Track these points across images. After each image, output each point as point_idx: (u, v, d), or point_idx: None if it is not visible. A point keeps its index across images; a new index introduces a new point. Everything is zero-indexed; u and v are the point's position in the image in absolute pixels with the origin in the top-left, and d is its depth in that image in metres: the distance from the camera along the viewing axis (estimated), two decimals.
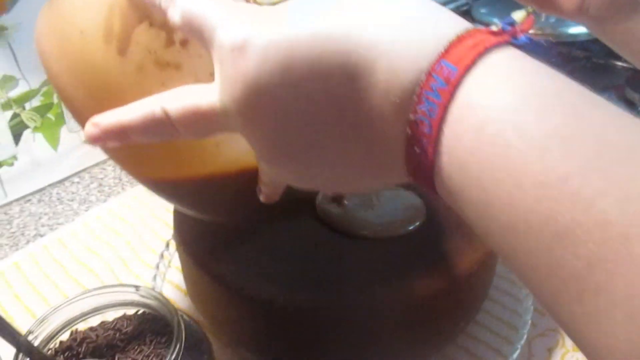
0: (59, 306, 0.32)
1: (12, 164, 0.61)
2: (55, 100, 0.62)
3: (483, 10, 0.79)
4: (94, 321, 0.34)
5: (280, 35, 0.20)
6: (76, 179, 0.66)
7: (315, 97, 0.20)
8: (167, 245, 0.52)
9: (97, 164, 0.68)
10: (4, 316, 0.30)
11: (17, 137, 0.60)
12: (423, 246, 0.40)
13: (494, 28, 0.20)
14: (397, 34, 0.20)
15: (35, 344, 0.30)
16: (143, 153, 0.29)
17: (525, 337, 0.43)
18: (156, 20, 0.28)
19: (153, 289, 0.34)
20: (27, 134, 0.61)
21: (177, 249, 0.44)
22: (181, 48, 0.29)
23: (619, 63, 0.63)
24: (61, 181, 0.65)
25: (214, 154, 0.30)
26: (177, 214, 0.44)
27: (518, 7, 0.35)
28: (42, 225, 0.59)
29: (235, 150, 0.30)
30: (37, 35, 0.29)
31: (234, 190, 0.31)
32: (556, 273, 0.16)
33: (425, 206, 0.42)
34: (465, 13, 0.80)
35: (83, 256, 0.54)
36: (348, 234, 0.40)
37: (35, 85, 0.60)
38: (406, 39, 0.19)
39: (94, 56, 0.28)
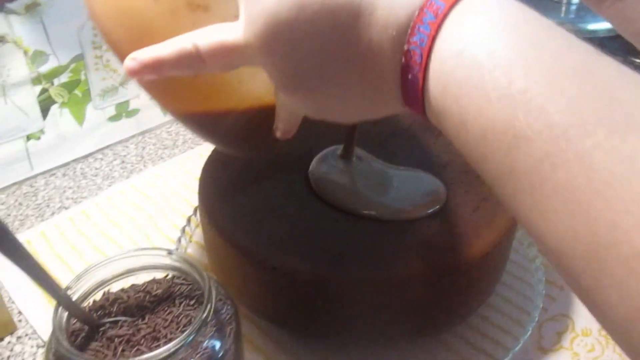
0: (94, 265, 0.33)
1: (39, 138, 0.62)
2: (83, 77, 0.63)
3: None
4: (125, 284, 0.36)
5: None
6: (99, 156, 0.67)
7: (325, 32, 0.23)
8: (189, 220, 0.54)
9: (120, 142, 0.69)
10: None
11: (44, 112, 0.62)
12: (441, 227, 0.41)
13: None
14: None
15: (73, 299, 0.32)
16: (175, 88, 0.32)
17: (536, 319, 0.44)
18: None
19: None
20: (54, 109, 0.62)
21: (201, 221, 0.46)
22: None
23: (638, 60, 0.63)
24: (85, 157, 0.67)
25: (237, 90, 0.33)
26: (202, 186, 0.45)
27: None
28: (67, 199, 0.60)
29: (256, 88, 0.33)
30: None
31: (253, 124, 0.34)
32: (514, 171, 0.19)
33: (446, 191, 0.43)
34: None
35: (106, 228, 0.56)
36: (370, 217, 0.42)
37: (64, 61, 0.61)
38: None
39: (134, 1, 0.31)
